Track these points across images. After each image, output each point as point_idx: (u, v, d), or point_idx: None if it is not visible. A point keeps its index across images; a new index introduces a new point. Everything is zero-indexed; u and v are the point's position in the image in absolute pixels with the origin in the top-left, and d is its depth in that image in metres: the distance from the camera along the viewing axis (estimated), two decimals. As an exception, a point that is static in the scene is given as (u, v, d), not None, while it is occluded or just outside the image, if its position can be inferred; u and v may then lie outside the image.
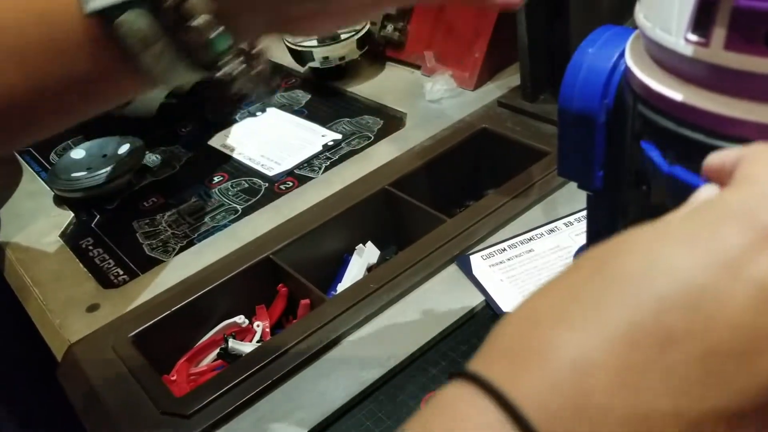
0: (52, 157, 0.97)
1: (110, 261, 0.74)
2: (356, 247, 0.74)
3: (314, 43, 0.98)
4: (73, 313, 0.68)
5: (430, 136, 0.83)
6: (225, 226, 0.76)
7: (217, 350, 0.66)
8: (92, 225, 0.81)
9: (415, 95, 0.92)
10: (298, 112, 0.97)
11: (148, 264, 0.73)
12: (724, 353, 0.20)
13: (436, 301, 0.60)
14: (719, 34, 0.26)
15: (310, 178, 0.82)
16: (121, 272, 0.72)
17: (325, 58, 0.97)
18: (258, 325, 0.67)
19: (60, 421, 0.75)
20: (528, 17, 0.77)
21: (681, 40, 0.28)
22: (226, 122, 0.97)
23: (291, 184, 0.82)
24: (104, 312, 0.67)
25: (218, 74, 0.36)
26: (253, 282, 0.68)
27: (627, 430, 0.19)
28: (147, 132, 0.95)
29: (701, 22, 0.27)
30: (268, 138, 0.92)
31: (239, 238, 0.73)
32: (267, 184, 0.83)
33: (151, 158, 0.92)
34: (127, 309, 0.66)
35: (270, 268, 0.69)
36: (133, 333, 0.62)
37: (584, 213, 0.65)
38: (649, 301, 0.20)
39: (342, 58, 0.97)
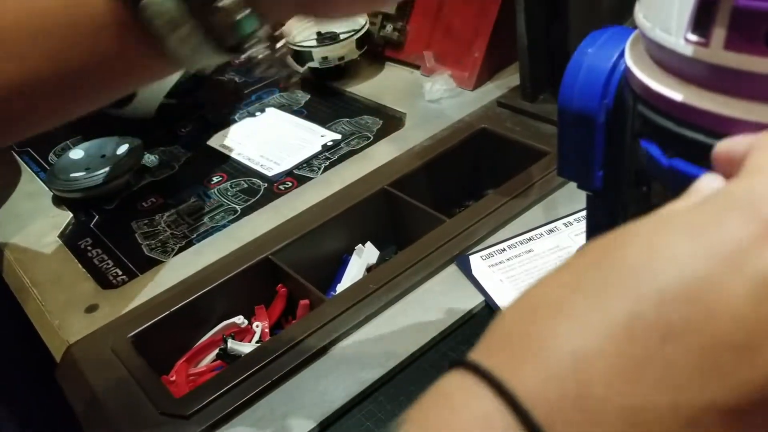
0: (51, 157, 0.97)
1: (109, 261, 0.74)
2: (356, 248, 0.74)
3: (313, 43, 0.98)
4: (72, 313, 0.68)
5: (429, 136, 0.83)
6: (224, 226, 0.76)
7: (217, 351, 0.65)
8: (91, 225, 0.81)
9: (414, 95, 0.92)
10: (297, 113, 0.97)
11: (147, 264, 0.72)
12: (724, 346, 0.19)
13: (436, 301, 0.60)
14: (719, 33, 0.26)
15: (310, 179, 0.82)
16: (120, 273, 0.72)
17: (325, 58, 0.97)
18: (257, 326, 0.67)
19: (59, 421, 0.75)
20: (527, 17, 0.77)
21: (681, 40, 0.28)
22: (225, 122, 0.97)
23: (290, 184, 0.81)
24: (103, 312, 0.67)
25: (243, 57, 0.35)
26: (253, 282, 0.68)
27: (625, 422, 0.19)
28: (146, 132, 0.95)
29: (701, 22, 0.27)
30: (268, 138, 0.92)
31: (238, 239, 0.73)
32: (266, 185, 0.82)
33: (150, 158, 0.92)
34: (126, 309, 0.66)
35: (269, 268, 0.69)
36: (132, 333, 0.62)
37: (584, 213, 0.65)
38: (649, 293, 0.20)
39: (341, 58, 0.97)
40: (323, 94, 1.00)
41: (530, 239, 0.64)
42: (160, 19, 0.33)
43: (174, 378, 0.62)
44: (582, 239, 0.63)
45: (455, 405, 0.21)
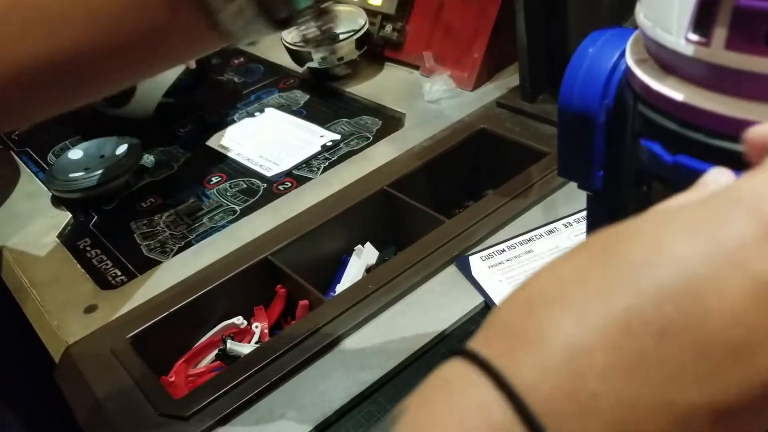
0: (50, 157, 0.97)
1: (108, 262, 0.74)
2: (355, 248, 0.74)
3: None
4: (71, 314, 0.67)
5: (429, 136, 0.83)
6: (223, 226, 0.76)
7: (216, 351, 0.65)
8: (90, 226, 0.81)
9: (413, 95, 0.92)
10: (296, 113, 0.97)
11: (146, 265, 0.72)
12: (721, 347, 0.19)
13: (435, 302, 0.60)
14: (720, 33, 0.26)
15: (309, 179, 0.82)
16: (119, 273, 0.72)
17: (324, 59, 0.97)
18: (256, 326, 0.67)
19: (58, 422, 0.75)
20: (527, 17, 0.77)
21: (681, 39, 0.28)
22: (224, 123, 0.97)
23: (289, 184, 0.81)
24: (102, 313, 0.67)
25: (296, 34, 0.35)
26: (252, 283, 0.68)
27: (618, 416, 0.19)
28: (145, 132, 0.95)
29: (702, 22, 0.27)
30: (267, 138, 0.92)
31: (237, 239, 0.72)
32: (265, 185, 0.82)
33: (149, 159, 0.92)
34: (124, 310, 0.66)
35: (268, 269, 0.68)
36: (131, 334, 0.62)
37: (583, 214, 0.65)
38: (648, 290, 0.20)
39: (340, 59, 0.97)
40: (322, 94, 1.00)
41: (530, 240, 0.64)
42: None
43: (173, 379, 0.62)
44: (582, 240, 0.63)
45: (454, 392, 0.21)
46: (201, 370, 0.65)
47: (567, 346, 0.20)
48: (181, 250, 0.74)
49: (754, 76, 0.26)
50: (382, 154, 0.83)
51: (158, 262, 0.72)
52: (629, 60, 0.32)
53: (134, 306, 0.66)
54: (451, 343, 0.56)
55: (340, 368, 0.55)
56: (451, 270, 0.63)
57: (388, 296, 0.60)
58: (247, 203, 0.80)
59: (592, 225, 0.42)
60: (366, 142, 0.86)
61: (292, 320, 0.68)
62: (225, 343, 0.64)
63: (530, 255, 0.63)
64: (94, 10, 0.34)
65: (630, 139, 0.32)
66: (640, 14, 0.31)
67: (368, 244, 0.74)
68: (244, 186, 0.83)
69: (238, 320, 0.67)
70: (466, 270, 0.62)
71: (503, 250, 0.64)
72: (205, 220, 0.78)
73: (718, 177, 0.25)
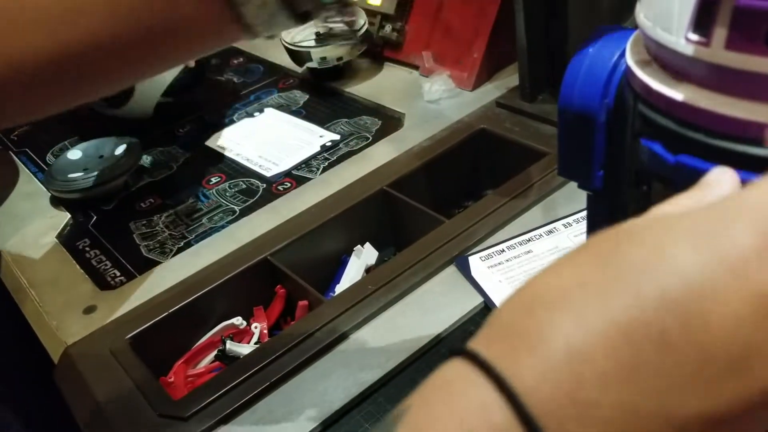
0: (49, 157, 0.97)
1: (107, 262, 0.74)
2: (354, 248, 0.74)
3: (312, 43, 0.98)
4: (70, 315, 0.67)
5: (428, 136, 0.83)
6: (222, 227, 0.76)
7: (215, 352, 0.65)
8: (89, 226, 0.81)
9: (413, 96, 0.92)
10: (295, 113, 0.97)
11: (145, 265, 0.72)
12: (718, 359, 0.20)
13: (435, 302, 0.60)
14: (720, 33, 0.26)
15: (308, 179, 0.82)
16: (118, 274, 0.72)
17: (323, 59, 0.97)
18: (256, 327, 0.67)
19: (58, 423, 0.75)
20: (527, 17, 0.77)
21: (681, 39, 0.28)
22: (223, 123, 0.97)
23: (289, 185, 0.81)
24: (101, 314, 0.67)
25: (320, 25, 0.36)
26: (251, 283, 0.68)
27: (614, 422, 0.20)
28: (144, 132, 0.95)
29: (702, 22, 0.27)
30: (266, 139, 0.92)
31: (237, 239, 0.72)
32: (265, 185, 0.82)
33: (147, 159, 0.92)
34: (124, 311, 0.66)
35: (268, 269, 0.68)
36: (130, 335, 0.62)
37: (583, 214, 0.65)
38: (649, 297, 0.20)
39: (340, 59, 0.97)
40: (322, 94, 1.00)
41: (529, 240, 0.64)
42: None
43: (172, 379, 0.62)
44: (581, 240, 0.63)
45: (454, 393, 0.21)
46: (200, 370, 0.65)
47: (567, 349, 0.20)
48: (180, 250, 0.74)
49: (754, 76, 0.26)
50: (381, 154, 0.82)
51: (157, 263, 0.72)
52: (629, 60, 0.32)
53: (133, 306, 0.66)
54: (450, 344, 0.56)
55: (340, 368, 0.55)
56: (451, 270, 0.63)
57: (388, 296, 0.60)
58: (247, 203, 0.79)
59: (593, 224, 0.42)
60: (365, 142, 0.86)
61: (291, 321, 0.68)
62: (224, 343, 0.64)
63: (530, 255, 0.63)
64: (116, 2, 0.34)
65: (630, 138, 0.32)
66: (640, 14, 0.31)
67: (368, 245, 0.74)
68: (244, 186, 0.83)
69: (238, 321, 0.67)
70: (465, 270, 0.62)
71: (503, 251, 0.64)
72: (204, 220, 0.78)
73: (720, 176, 0.25)
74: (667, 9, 0.28)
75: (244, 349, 0.64)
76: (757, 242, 0.20)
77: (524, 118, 0.82)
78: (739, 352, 0.20)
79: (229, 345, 0.64)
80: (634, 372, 0.20)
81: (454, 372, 0.22)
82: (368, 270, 0.72)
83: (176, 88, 0.97)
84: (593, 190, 0.39)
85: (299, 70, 1.05)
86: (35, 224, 0.83)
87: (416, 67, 0.98)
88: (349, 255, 0.74)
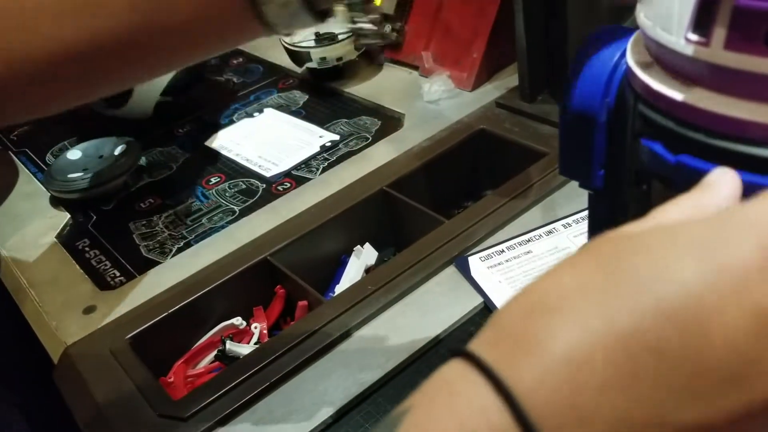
0: (49, 158, 0.97)
1: (107, 262, 0.74)
2: (354, 249, 0.74)
3: (311, 43, 0.98)
4: (70, 315, 0.67)
5: (428, 137, 0.83)
6: (222, 227, 0.76)
7: (215, 352, 0.65)
8: (89, 226, 0.81)
9: (413, 96, 0.92)
10: (295, 113, 0.97)
11: (145, 265, 0.72)
12: (715, 372, 0.20)
13: (435, 302, 0.60)
14: (719, 33, 0.26)
15: (308, 179, 0.82)
16: (118, 274, 0.72)
17: (323, 59, 0.97)
18: (255, 327, 0.67)
19: (57, 423, 0.75)
20: (526, 18, 0.77)
21: (681, 39, 0.28)
22: (223, 123, 0.97)
23: (288, 185, 0.81)
24: (101, 314, 0.67)
25: (352, 28, 0.36)
26: (251, 283, 0.68)
27: (611, 428, 0.20)
28: (143, 133, 0.95)
29: (702, 22, 0.27)
30: (266, 139, 0.92)
31: (236, 240, 0.72)
32: (264, 185, 0.82)
33: (148, 159, 0.92)
34: (123, 311, 0.66)
35: (267, 269, 0.68)
36: (129, 335, 0.62)
37: (583, 214, 0.65)
38: (650, 308, 0.20)
39: (339, 59, 0.97)
40: (321, 94, 1.00)
41: (529, 240, 0.64)
42: None
43: (172, 379, 0.62)
44: (581, 240, 0.63)
45: (454, 394, 0.21)
46: (200, 370, 0.65)
47: (566, 355, 0.20)
48: (180, 250, 0.74)
49: (753, 76, 0.26)
50: (381, 154, 0.82)
51: (157, 263, 0.72)
52: (630, 60, 0.32)
53: (133, 307, 0.66)
54: (450, 344, 0.56)
55: (340, 369, 0.55)
56: (451, 271, 0.63)
57: (388, 297, 0.60)
58: (246, 204, 0.79)
59: (594, 223, 0.42)
60: (365, 143, 0.86)
61: (291, 321, 0.68)
62: (224, 343, 0.64)
63: (529, 256, 0.63)
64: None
65: (631, 138, 0.32)
66: (641, 14, 0.31)
67: (367, 245, 0.74)
68: (243, 186, 0.83)
69: (237, 321, 0.67)
70: (465, 271, 0.62)
71: (502, 251, 0.64)
72: (204, 220, 0.78)
73: (721, 178, 0.25)
74: (667, 9, 0.28)
75: (244, 349, 0.64)
76: (758, 256, 0.20)
77: (524, 118, 0.82)
78: (736, 365, 0.20)
79: (229, 345, 0.64)
80: (632, 380, 0.20)
81: (455, 373, 0.22)
82: (368, 270, 0.72)
83: (175, 87, 0.97)
84: (594, 189, 0.39)
85: (299, 70, 1.05)
86: (35, 224, 0.83)
87: (416, 68, 0.98)
88: (349, 255, 0.74)
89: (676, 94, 0.28)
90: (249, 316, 0.69)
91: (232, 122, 0.97)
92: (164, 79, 0.94)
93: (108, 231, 0.80)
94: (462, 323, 0.58)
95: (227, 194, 0.82)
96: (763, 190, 0.24)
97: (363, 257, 0.72)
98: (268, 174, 0.84)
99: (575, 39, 0.77)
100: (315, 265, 0.71)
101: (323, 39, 0.98)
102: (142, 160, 0.90)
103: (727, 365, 0.20)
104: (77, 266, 0.74)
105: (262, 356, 0.57)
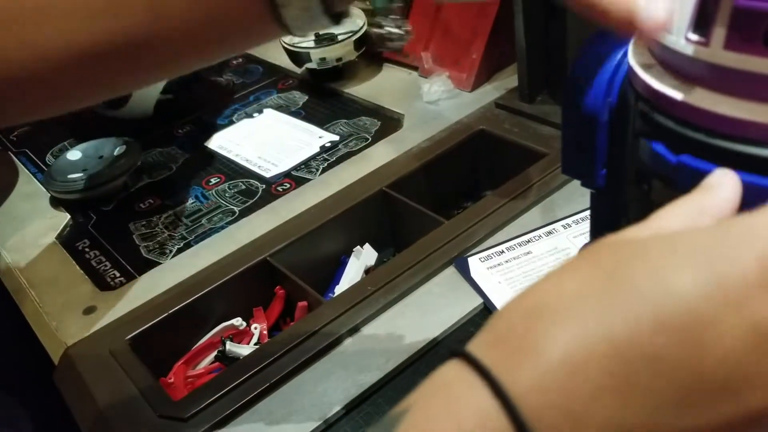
0: (48, 158, 0.97)
1: (107, 263, 0.74)
2: (354, 249, 0.74)
3: (311, 44, 0.98)
4: (70, 315, 0.67)
5: (427, 137, 0.83)
6: (222, 227, 0.76)
7: (215, 353, 0.65)
8: (89, 227, 0.81)
9: (412, 96, 0.92)
10: (295, 114, 0.97)
11: (145, 266, 0.72)
12: (709, 384, 0.20)
13: (434, 303, 0.60)
14: (719, 33, 0.26)
15: (308, 180, 0.82)
16: (118, 274, 0.72)
17: (322, 59, 0.97)
18: (255, 328, 0.67)
19: (58, 424, 0.75)
20: (526, 19, 0.77)
21: (681, 39, 0.28)
22: (222, 124, 0.97)
23: (288, 185, 0.81)
24: (101, 314, 0.67)
25: (378, 32, 0.36)
26: (251, 284, 0.68)
27: None
28: (143, 133, 0.95)
29: (701, 22, 0.27)
30: (265, 139, 0.92)
31: (236, 240, 0.72)
32: (264, 186, 0.82)
33: (148, 159, 0.92)
34: (123, 311, 0.66)
35: (267, 270, 0.68)
36: (129, 336, 0.62)
37: (583, 215, 0.65)
38: (648, 320, 0.20)
39: (339, 59, 0.97)
40: (321, 95, 1.00)
41: (528, 241, 0.64)
42: None
43: (172, 380, 0.62)
44: (581, 241, 0.63)
45: (452, 396, 0.22)
46: (200, 371, 0.65)
47: (563, 360, 0.21)
48: (180, 251, 0.74)
49: (753, 76, 0.26)
50: (380, 155, 0.83)
51: (157, 264, 0.72)
52: (631, 60, 0.32)
53: (133, 307, 0.66)
54: (450, 345, 0.56)
55: (339, 370, 0.55)
56: (450, 271, 0.63)
57: (387, 297, 0.60)
58: (246, 204, 0.79)
59: (596, 223, 0.42)
60: (365, 143, 0.86)
61: (291, 321, 0.68)
62: (224, 344, 0.64)
63: (529, 256, 0.63)
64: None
65: (632, 138, 0.32)
66: (641, 14, 0.31)
67: (367, 245, 0.74)
68: (243, 187, 0.83)
69: (237, 321, 0.67)
70: (465, 271, 0.62)
71: (502, 252, 0.64)
72: (203, 221, 0.78)
73: (721, 179, 0.25)
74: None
75: (244, 350, 0.64)
76: (758, 269, 0.20)
77: (523, 119, 0.82)
78: (732, 376, 0.20)
79: (229, 346, 0.64)
80: (626, 387, 0.20)
81: (453, 374, 0.22)
82: (367, 271, 0.72)
83: (175, 85, 0.97)
84: (596, 188, 0.39)
85: (298, 70, 1.05)
86: (35, 225, 0.83)
87: (415, 68, 0.98)
88: (349, 256, 0.74)
89: (676, 94, 0.28)
90: (249, 316, 0.69)
91: (231, 123, 0.97)
92: (163, 79, 0.94)
93: (108, 231, 0.80)
94: (462, 324, 0.58)
95: (227, 195, 0.82)
96: (763, 191, 0.24)
97: (363, 258, 0.72)
98: (267, 174, 0.84)
99: (575, 40, 0.77)
100: (315, 266, 0.71)
101: (323, 39, 0.98)
102: (147, 161, 0.90)
103: (723, 376, 0.20)
104: (77, 267, 0.74)
105: (262, 357, 0.57)
